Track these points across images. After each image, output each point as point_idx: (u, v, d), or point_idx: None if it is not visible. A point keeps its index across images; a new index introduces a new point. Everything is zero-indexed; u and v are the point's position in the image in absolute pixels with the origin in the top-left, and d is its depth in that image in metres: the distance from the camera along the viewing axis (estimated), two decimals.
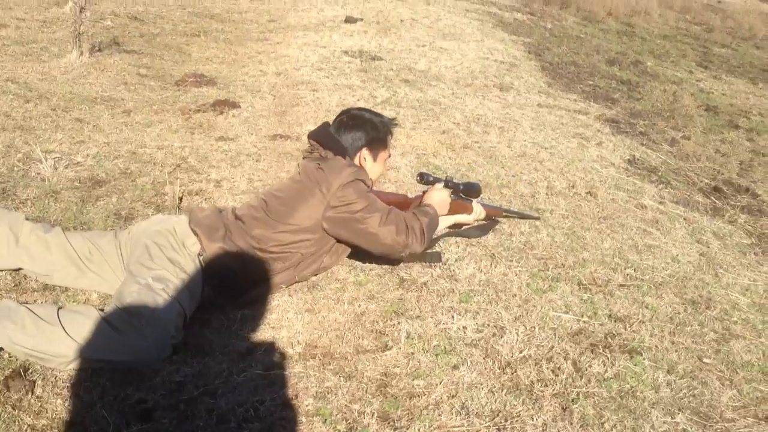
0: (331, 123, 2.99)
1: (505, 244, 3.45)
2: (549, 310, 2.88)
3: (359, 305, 2.77)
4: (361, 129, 2.91)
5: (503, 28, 9.61)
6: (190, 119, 4.78)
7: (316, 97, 5.44)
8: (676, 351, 2.73)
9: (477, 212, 3.36)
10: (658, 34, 13.58)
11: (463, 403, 2.25)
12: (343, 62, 6.52)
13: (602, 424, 2.23)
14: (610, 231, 3.81)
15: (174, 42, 6.89)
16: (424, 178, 3.24)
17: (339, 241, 2.81)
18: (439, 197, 3.14)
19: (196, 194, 3.68)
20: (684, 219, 4.25)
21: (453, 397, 2.27)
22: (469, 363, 2.45)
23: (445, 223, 3.28)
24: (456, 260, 3.21)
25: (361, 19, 8.34)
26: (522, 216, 3.79)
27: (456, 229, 3.44)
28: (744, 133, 6.94)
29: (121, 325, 2.25)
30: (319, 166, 2.78)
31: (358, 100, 5.48)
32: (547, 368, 2.48)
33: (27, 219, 2.74)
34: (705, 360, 2.72)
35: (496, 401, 2.28)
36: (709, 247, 3.88)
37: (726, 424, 2.35)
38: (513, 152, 4.85)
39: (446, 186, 3.23)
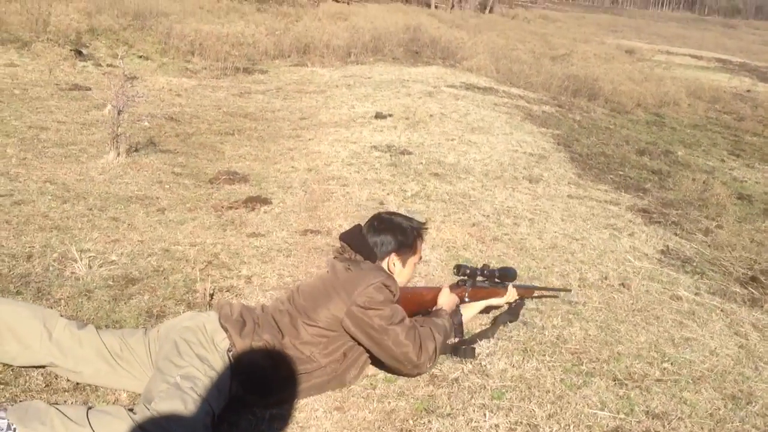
0: (363, 225, 3.04)
1: (538, 338, 3.40)
2: (584, 406, 2.81)
3: (389, 402, 2.73)
4: (390, 234, 2.96)
5: (532, 121, 9.71)
6: (223, 216, 4.85)
7: (347, 192, 5.50)
8: None
9: (510, 295, 3.43)
10: (687, 123, 13.62)
11: None
12: (373, 157, 6.61)
13: None
14: (645, 324, 3.74)
15: (208, 141, 7.05)
16: (461, 270, 3.26)
17: (353, 340, 2.80)
18: (448, 300, 3.17)
19: (227, 291, 3.69)
20: (721, 310, 4.16)
21: None
22: None
23: (474, 309, 3.33)
24: (487, 355, 3.17)
25: (391, 115, 8.50)
26: (554, 291, 3.88)
27: (491, 328, 3.42)
28: None
29: (151, 427, 2.24)
30: (348, 267, 2.82)
31: (388, 194, 5.53)
32: None
33: (62, 316, 2.77)
34: None
35: None
36: (748, 340, 3.78)
37: None
38: (544, 244, 4.83)
39: (482, 274, 3.27)
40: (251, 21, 14.98)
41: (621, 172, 7.97)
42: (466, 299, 3.26)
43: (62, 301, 3.39)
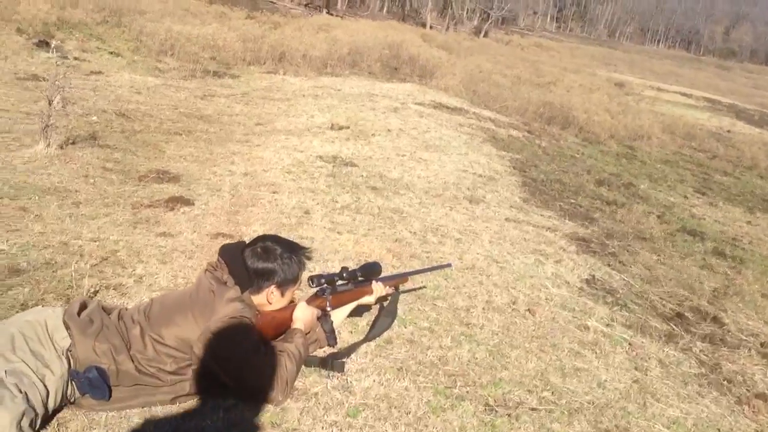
0: (246, 244, 2.94)
1: (418, 357, 3.30)
2: (442, 430, 2.70)
3: (236, 413, 2.62)
4: (272, 264, 2.86)
5: (493, 144, 9.65)
6: (138, 214, 4.73)
7: (275, 199, 5.40)
8: None
9: (378, 291, 3.32)
10: (659, 158, 13.59)
11: None
12: (315, 167, 6.52)
13: None
14: (538, 351, 3.65)
15: (153, 139, 6.94)
16: (315, 281, 3.13)
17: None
18: (303, 315, 3.04)
19: (114, 289, 3.58)
20: (629, 344, 4.07)
21: None
22: None
23: (343, 314, 3.25)
24: (357, 371, 3.07)
25: (347, 127, 8.42)
26: (431, 270, 3.96)
27: (367, 336, 3.33)
28: (728, 260, 6.79)
29: None
30: (211, 289, 2.72)
31: (317, 204, 5.43)
32: None
33: None
34: None
35: None
36: (647, 375, 3.70)
37: None
38: (462, 264, 4.74)
39: (341, 278, 3.16)
40: (229, 26, 14.90)
41: (573, 201, 7.90)
42: (329, 308, 3.14)
43: None
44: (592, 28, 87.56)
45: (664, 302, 5.13)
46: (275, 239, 2.95)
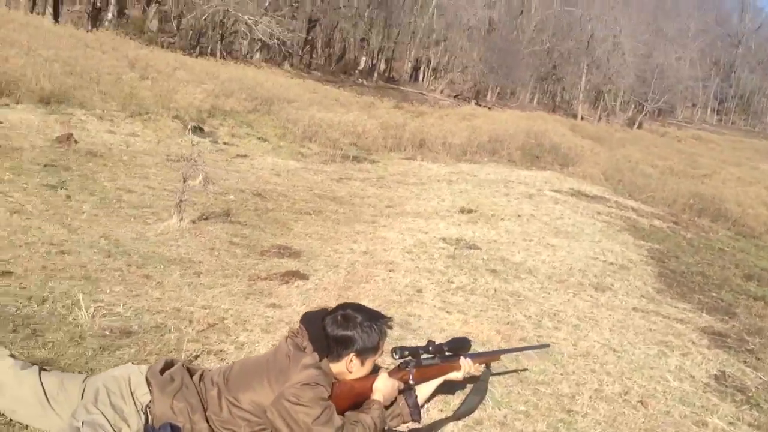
0: (328, 312, 2.96)
1: None
2: None
3: None
4: (351, 332, 2.85)
5: (631, 233, 9.30)
6: (253, 285, 4.87)
7: (389, 277, 5.41)
8: None
9: (466, 367, 3.22)
10: None
11: None
12: (437, 248, 6.51)
13: None
14: None
15: (283, 218, 7.18)
16: (399, 352, 3.06)
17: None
18: (383, 386, 2.96)
19: (215, 354, 3.66)
20: None
21: None
22: None
23: (429, 389, 3.17)
24: None
25: (476, 211, 8.39)
26: (527, 350, 3.81)
27: (451, 416, 3.22)
28: None
29: None
30: (289, 354, 2.74)
31: (432, 283, 5.40)
32: None
33: (10, 355, 2.83)
34: None
35: None
36: None
37: None
38: (575, 351, 4.54)
39: (426, 351, 3.08)
40: (372, 114, 15.38)
41: (714, 294, 7.44)
42: (411, 382, 3.06)
43: (50, 343, 3.46)
44: (756, 121, 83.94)
45: None
46: (357, 307, 2.95)
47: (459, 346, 3.23)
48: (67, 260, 4.71)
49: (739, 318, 6.60)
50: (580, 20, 50.03)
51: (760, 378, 4.95)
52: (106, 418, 2.45)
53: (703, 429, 3.76)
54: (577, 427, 3.43)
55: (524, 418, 3.42)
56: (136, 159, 8.84)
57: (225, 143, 11.38)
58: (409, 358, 3.09)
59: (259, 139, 12.39)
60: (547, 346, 4.03)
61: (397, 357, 3.06)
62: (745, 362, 5.21)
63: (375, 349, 2.89)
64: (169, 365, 2.81)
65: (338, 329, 2.82)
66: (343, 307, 2.94)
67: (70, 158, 7.94)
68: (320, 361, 2.77)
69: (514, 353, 3.87)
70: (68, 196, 6.29)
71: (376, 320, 2.90)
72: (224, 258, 5.44)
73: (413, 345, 3.16)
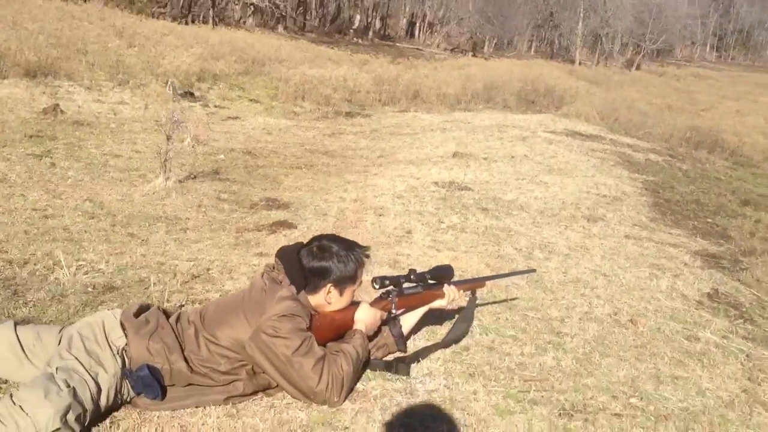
0: (303, 244, 2.91)
1: (495, 363, 3.14)
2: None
3: (288, 413, 2.57)
4: (327, 262, 2.79)
5: (626, 167, 9.23)
6: (240, 237, 4.85)
7: (379, 221, 5.38)
8: None
9: (451, 295, 3.16)
10: None
11: None
12: (428, 191, 6.47)
13: None
14: (634, 359, 3.39)
15: (273, 173, 7.14)
16: (380, 282, 3.00)
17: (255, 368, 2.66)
18: (364, 316, 2.91)
19: (199, 303, 3.63)
20: (747, 355, 3.70)
21: None
22: None
23: (413, 318, 3.11)
24: (424, 374, 2.95)
25: (470, 155, 8.33)
26: (514, 275, 3.81)
27: (442, 341, 3.21)
28: None
29: (4, 412, 2.21)
30: (264, 287, 2.71)
31: (422, 224, 5.37)
32: None
33: None
34: None
35: None
36: (760, 386, 3.34)
37: None
38: (565, 278, 4.52)
39: (408, 279, 3.04)
40: (364, 69, 15.25)
41: (709, 220, 7.40)
42: (394, 311, 3.03)
43: (31, 302, 3.44)
44: (756, 56, 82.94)
45: None
46: (332, 238, 2.90)
47: (442, 274, 3.18)
48: (50, 224, 4.68)
49: (734, 240, 6.57)
50: None
51: (755, 294, 4.94)
52: (81, 363, 2.43)
53: (695, 343, 3.74)
54: (566, 348, 3.41)
55: (512, 341, 3.40)
56: (124, 126, 8.79)
57: (216, 106, 11.30)
58: (391, 287, 3.05)
59: (251, 100, 12.31)
60: (534, 270, 4.00)
61: (377, 287, 3.00)
62: (739, 280, 5.20)
63: (353, 278, 2.84)
64: (144, 309, 2.79)
65: (314, 260, 2.78)
66: (318, 238, 2.90)
67: (56, 128, 7.89)
68: (297, 294, 2.74)
69: (500, 279, 3.83)
70: (53, 164, 6.26)
71: (353, 249, 2.86)
72: (211, 213, 5.41)
73: (394, 274, 3.13)
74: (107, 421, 2.46)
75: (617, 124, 14.14)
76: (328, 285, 2.79)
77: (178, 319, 2.76)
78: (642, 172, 9.17)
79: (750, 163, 13.16)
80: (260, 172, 7.19)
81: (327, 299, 2.81)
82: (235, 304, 2.72)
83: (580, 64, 42.42)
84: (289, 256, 2.82)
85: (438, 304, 3.17)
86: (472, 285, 3.37)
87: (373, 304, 3.00)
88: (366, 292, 3.31)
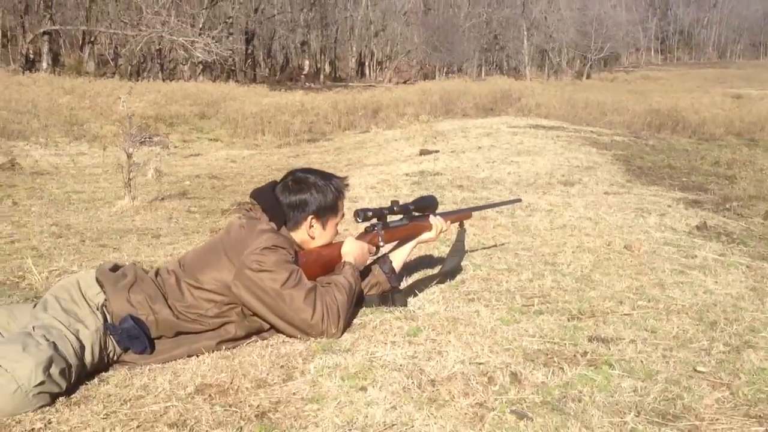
0: (277, 182, 2.77)
1: (493, 288, 3.02)
2: (513, 335, 2.41)
3: (286, 347, 2.42)
4: (305, 194, 2.63)
5: (594, 146, 9.22)
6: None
7: (353, 205, 5.25)
8: (666, 362, 2.18)
9: (438, 226, 3.01)
10: None
11: (351, 420, 1.83)
12: (401, 180, 6.38)
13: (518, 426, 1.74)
14: (635, 274, 3.28)
15: (241, 189, 7.03)
16: (362, 215, 2.86)
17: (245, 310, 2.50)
18: (351, 249, 2.75)
19: None
20: (747, 266, 3.61)
21: (339, 415, 1.86)
22: (380, 385, 2.03)
23: (403, 254, 2.96)
24: (423, 300, 2.82)
25: (437, 151, 8.28)
26: (500, 205, 3.78)
27: (436, 275, 3.07)
28: None
29: None
30: (243, 225, 2.56)
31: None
32: (477, 382, 2.02)
33: None
34: (700, 368, 2.15)
35: (394, 415, 1.84)
36: (765, 283, 3.25)
37: (696, 422, 1.79)
38: (552, 226, 4.42)
39: (391, 211, 2.89)
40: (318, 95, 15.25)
41: (684, 179, 7.38)
42: (381, 244, 2.88)
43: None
44: (700, 53, 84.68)
45: None
46: (307, 170, 2.77)
47: (426, 205, 3.04)
48: (17, 246, 4.50)
49: (713, 192, 6.54)
50: None
51: (743, 225, 4.88)
52: (60, 321, 2.27)
53: (693, 260, 3.65)
54: (564, 272, 3.30)
55: (508, 272, 3.28)
56: (85, 171, 8.64)
57: (176, 147, 11.18)
58: (375, 220, 2.91)
59: (211, 140, 12.21)
60: (519, 200, 3.90)
61: (360, 220, 2.85)
62: (725, 216, 5.15)
63: (333, 209, 2.70)
64: (119, 266, 2.63)
65: (291, 195, 2.64)
66: (292, 172, 2.75)
67: (15, 179, 7.70)
68: (278, 231, 2.59)
69: (486, 209, 3.73)
70: (15, 203, 6.08)
71: (330, 179, 2.72)
72: (183, 222, 5.27)
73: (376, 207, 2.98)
74: (95, 379, 2.29)
75: (577, 119, 14.23)
76: (309, 218, 2.64)
77: (157, 273, 2.60)
78: (610, 149, 9.16)
79: (713, 138, 13.25)
80: (228, 189, 7.07)
81: (310, 233, 2.66)
82: (214, 246, 2.57)
83: (531, 80, 42.95)
84: (264, 195, 2.67)
85: (426, 236, 3.03)
86: (459, 216, 3.25)
87: (359, 238, 2.86)
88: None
